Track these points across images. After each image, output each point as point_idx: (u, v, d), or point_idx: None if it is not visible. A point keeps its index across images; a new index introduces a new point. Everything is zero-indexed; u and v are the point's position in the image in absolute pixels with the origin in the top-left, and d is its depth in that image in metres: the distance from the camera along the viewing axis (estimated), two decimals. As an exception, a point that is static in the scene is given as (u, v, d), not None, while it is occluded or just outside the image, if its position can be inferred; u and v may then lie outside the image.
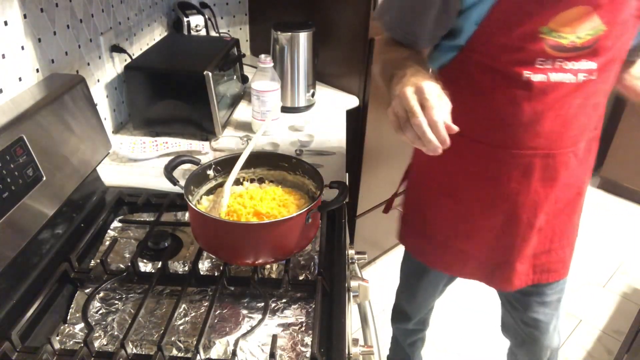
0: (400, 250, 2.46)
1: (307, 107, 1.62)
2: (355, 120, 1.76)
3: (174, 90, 1.32)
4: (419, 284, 1.33)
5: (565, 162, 0.95)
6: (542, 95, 0.87)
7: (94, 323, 0.80)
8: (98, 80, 1.28)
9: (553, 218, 1.03)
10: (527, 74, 0.86)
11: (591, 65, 0.86)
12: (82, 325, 0.79)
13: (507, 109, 0.90)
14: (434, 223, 1.12)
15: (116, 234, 1.02)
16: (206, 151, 1.31)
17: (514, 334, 1.30)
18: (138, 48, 1.51)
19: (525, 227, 1.01)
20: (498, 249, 1.06)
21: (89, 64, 1.22)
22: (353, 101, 1.71)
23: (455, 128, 0.70)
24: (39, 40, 1.00)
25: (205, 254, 0.94)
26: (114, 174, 1.19)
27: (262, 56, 1.36)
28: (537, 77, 0.86)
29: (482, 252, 1.08)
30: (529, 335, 1.24)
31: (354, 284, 0.94)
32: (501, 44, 0.85)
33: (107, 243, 0.98)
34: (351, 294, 0.93)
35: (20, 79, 0.96)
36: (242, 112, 1.56)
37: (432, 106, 0.69)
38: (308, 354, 0.75)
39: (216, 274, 0.90)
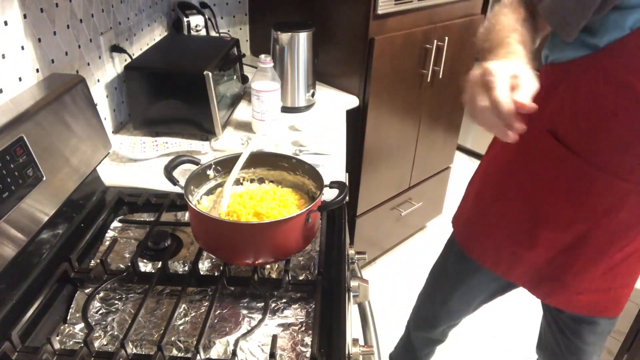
0: (400, 250, 2.47)
1: (307, 107, 1.62)
2: (355, 120, 1.76)
3: (174, 90, 1.32)
4: (457, 288, 1.24)
5: None
6: None
7: (94, 323, 0.80)
8: (98, 80, 1.28)
9: (624, 258, 0.95)
10: None
11: None
12: (82, 325, 0.79)
13: (628, 134, 0.78)
14: (498, 223, 1.05)
15: (116, 234, 1.02)
16: (206, 151, 1.31)
17: (550, 354, 1.24)
18: (138, 48, 1.51)
19: (595, 256, 0.94)
20: (557, 265, 1.00)
21: (89, 64, 1.22)
22: (353, 101, 1.71)
23: (532, 105, 0.62)
24: (39, 40, 1.00)
25: (205, 254, 0.94)
26: (114, 174, 1.19)
27: (262, 56, 1.36)
28: None
29: (538, 261, 1.02)
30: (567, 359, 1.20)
31: (354, 284, 0.94)
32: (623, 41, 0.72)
33: (107, 243, 0.98)
34: (351, 294, 0.93)
35: (20, 79, 0.96)
36: (242, 112, 1.56)
37: (519, 85, 0.63)
38: (308, 354, 0.75)
39: (216, 274, 0.90)
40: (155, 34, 1.66)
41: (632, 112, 0.77)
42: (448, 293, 1.27)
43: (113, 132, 1.38)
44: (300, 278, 0.91)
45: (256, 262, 0.86)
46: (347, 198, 0.91)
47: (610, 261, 0.96)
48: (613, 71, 0.77)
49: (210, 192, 0.98)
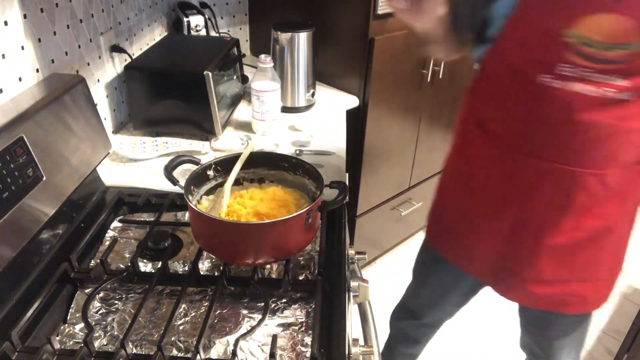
0: (400, 250, 2.47)
1: (307, 107, 1.62)
2: (355, 120, 1.76)
3: (174, 90, 1.32)
4: (427, 280, 1.29)
5: (584, 184, 0.87)
6: (558, 103, 0.80)
7: (94, 323, 0.80)
8: (98, 80, 1.28)
9: (575, 246, 0.95)
10: (544, 77, 0.80)
11: (621, 82, 0.77)
12: (82, 325, 0.79)
13: (521, 111, 0.86)
14: (453, 215, 1.11)
15: (116, 234, 1.02)
16: (206, 151, 1.31)
17: (529, 352, 1.27)
18: (138, 48, 1.51)
19: (534, 241, 0.96)
20: (505, 255, 1.02)
21: (89, 64, 1.22)
22: (353, 101, 1.71)
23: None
24: (39, 40, 1.00)
25: (205, 254, 0.94)
26: (114, 174, 1.19)
27: (262, 56, 1.36)
28: (553, 83, 0.80)
29: (489, 253, 1.05)
30: (542, 357, 1.22)
31: (354, 284, 0.94)
32: (521, 41, 0.81)
33: (107, 243, 0.98)
34: (351, 294, 0.93)
35: (20, 79, 0.96)
36: (242, 112, 1.56)
37: None
38: (308, 354, 0.75)
39: (216, 274, 0.90)
40: (155, 34, 1.66)
41: (522, 93, 0.85)
42: (421, 285, 1.32)
43: (113, 132, 1.38)
44: (300, 278, 0.91)
45: (256, 262, 0.86)
46: (347, 198, 0.91)
47: (556, 248, 0.96)
48: (505, 58, 0.86)
49: (210, 192, 0.98)
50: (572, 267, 0.99)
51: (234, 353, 0.73)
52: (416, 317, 1.38)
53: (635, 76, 0.76)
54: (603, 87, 0.78)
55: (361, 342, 0.89)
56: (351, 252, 1.02)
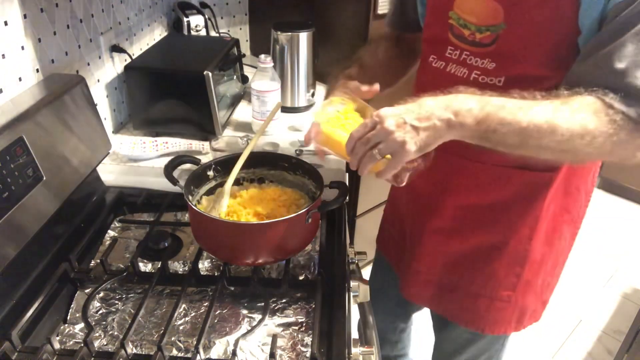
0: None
1: (307, 107, 1.62)
2: (355, 120, 1.76)
3: (174, 90, 1.32)
4: (374, 275, 1.34)
5: (460, 173, 0.87)
6: (439, 84, 0.75)
7: (94, 323, 0.80)
8: (98, 80, 1.28)
9: (462, 257, 0.96)
10: (432, 58, 0.83)
11: (488, 65, 0.77)
12: (82, 325, 0.79)
13: (418, 93, 0.82)
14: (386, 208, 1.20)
15: (116, 234, 1.02)
16: (206, 151, 1.31)
17: None
18: (138, 48, 1.51)
19: (420, 227, 0.98)
20: (400, 245, 1.08)
21: (89, 64, 1.22)
22: (353, 101, 1.71)
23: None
24: (39, 40, 1.00)
25: (205, 254, 0.94)
26: (114, 174, 1.19)
27: (262, 56, 1.36)
28: (437, 64, 0.83)
29: (395, 247, 1.10)
30: None
31: (354, 284, 0.94)
32: (425, 24, 0.86)
33: (107, 243, 0.98)
34: (351, 294, 0.93)
35: (20, 79, 0.96)
36: (242, 112, 1.56)
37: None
38: (308, 354, 0.75)
39: (216, 274, 0.90)
40: (155, 34, 1.65)
41: (422, 75, 0.90)
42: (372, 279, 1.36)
43: (113, 132, 1.38)
44: (300, 278, 0.91)
45: (256, 262, 0.86)
46: (347, 198, 0.91)
47: (434, 247, 0.98)
48: (425, 53, 0.90)
49: (210, 192, 0.98)
50: (462, 275, 0.98)
51: (234, 353, 0.73)
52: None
53: (503, 59, 0.76)
54: (475, 70, 0.78)
55: (361, 342, 0.89)
56: (351, 252, 1.02)
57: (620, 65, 0.65)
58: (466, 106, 0.66)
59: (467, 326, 1.03)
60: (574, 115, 0.65)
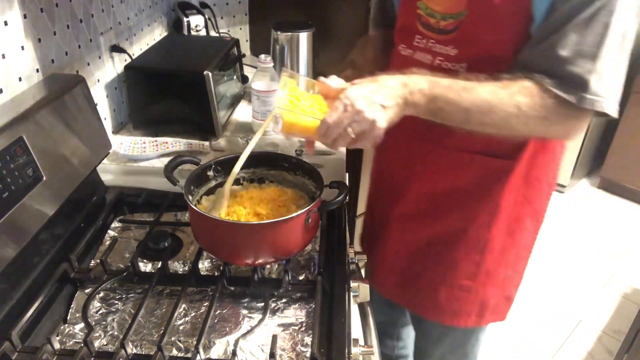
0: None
1: (307, 107, 1.62)
2: (355, 120, 1.76)
3: (174, 90, 1.32)
4: None
5: (423, 159, 0.91)
6: (406, 70, 0.79)
7: (94, 323, 0.80)
8: (98, 80, 1.28)
9: (424, 245, 0.97)
10: (401, 47, 0.87)
11: (451, 51, 0.81)
12: (82, 325, 0.79)
13: None
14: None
15: (116, 234, 1.02)
16: (206, 151, 1.31)
17: None
18: (138, 48, 1.51)
19: (381, 225, 1.01)
20: (372, 233, 1.10)
21: (89, 64, 1.22)
22: (353, 101, 1.71)
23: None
24: (39, 40, 1.00)
25: (205, 254, 0.94)
26: (114, 174, 1.19)
27: (262, 56, 1.36)
28: (405, 52, 0.87)
29: (369, 237, 1.12)
30: None
31: (354, 284, 0.94)
32: (398, 17, 0.89)
33: (107, 243, 0.98)
34: (351, 294, 0.93)
35: (20, 79, 0.96)
36: (242, 112, 1.56)
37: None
38: (308, 354, 0.75)
39: (216, 274, 0.90)
40: (155, 34, 1.65)
41: (394, 64, 0.92)
42: None
43: (113, 132, 1.38)
44: (300, 278, 0.91)
45: (256, 262, 0.86)
46: (347, 198, 0.91)
47: (399, 234, 1.00)
48: (396, 42, 0.93)
49: (210, 192, 0.98)
50: (425, 265, 0.99)
51: (234, 353, 0.73)
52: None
53: (465, 46, 0.80)
54: (438, 56, 0.83)
55: (361, 342, 0.89)
56: (351, 252, 1.02)
57: (563, 53, 0.71)
58: (418, 86, 0.74)
59: (428, 317, 1.04)
60: (511, 98, 0.72)
